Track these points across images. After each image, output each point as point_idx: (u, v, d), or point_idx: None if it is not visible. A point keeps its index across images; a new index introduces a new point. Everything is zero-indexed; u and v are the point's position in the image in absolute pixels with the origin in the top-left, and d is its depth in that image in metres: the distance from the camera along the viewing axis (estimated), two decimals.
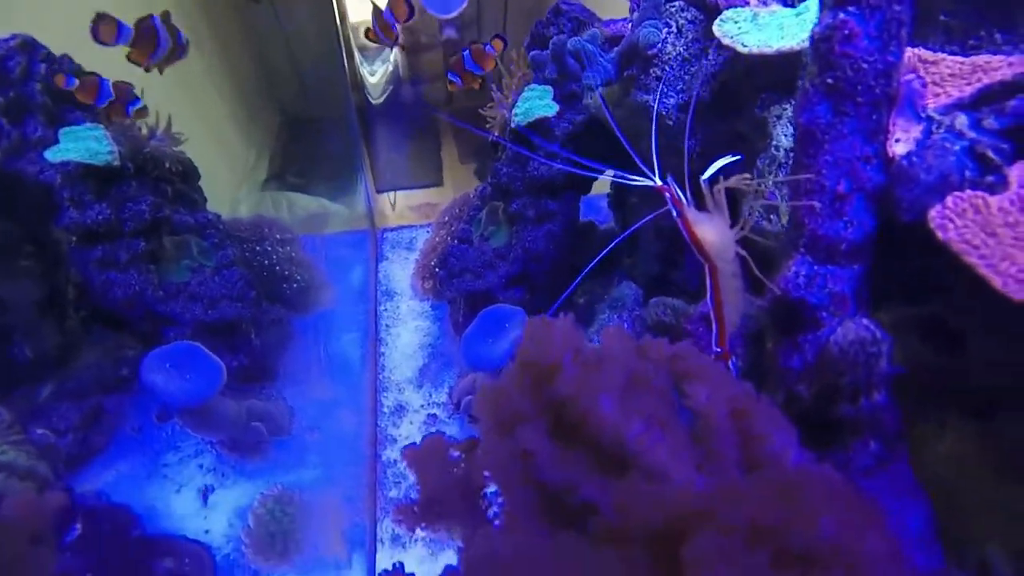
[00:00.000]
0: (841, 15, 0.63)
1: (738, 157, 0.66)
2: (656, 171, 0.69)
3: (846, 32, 0.63)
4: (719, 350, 0.68)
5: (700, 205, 0.69)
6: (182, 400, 1.19)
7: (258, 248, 1.58)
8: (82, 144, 1.18)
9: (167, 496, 1.34)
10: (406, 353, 1.56)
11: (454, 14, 1.26)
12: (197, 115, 1.82)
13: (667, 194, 0.67)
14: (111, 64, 1.17)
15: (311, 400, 1.51)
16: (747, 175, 0.64)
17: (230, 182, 2.12)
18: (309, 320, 1.61)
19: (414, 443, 0.65)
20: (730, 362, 0.68)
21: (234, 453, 1.42)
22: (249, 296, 1.40)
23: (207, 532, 1.30)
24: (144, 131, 1.24)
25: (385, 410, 1.48)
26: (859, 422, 0.69)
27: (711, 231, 0.66)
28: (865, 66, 0.64)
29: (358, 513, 1.35)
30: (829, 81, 0.65)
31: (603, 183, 1.54)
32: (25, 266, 1.32)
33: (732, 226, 0.68)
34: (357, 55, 2.01)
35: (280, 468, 1.41)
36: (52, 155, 1.17)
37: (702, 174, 0.72)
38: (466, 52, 1.22)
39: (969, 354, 0.79)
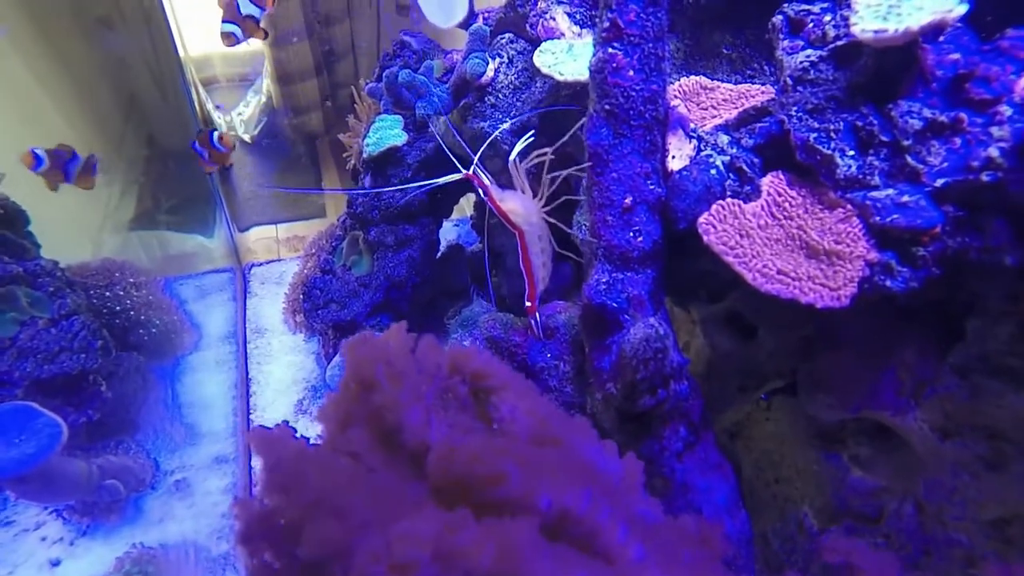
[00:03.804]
0: (609, 49, 0.72)
1: (532, 132, 0.74)
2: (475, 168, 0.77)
3: (614, 64, 0.71)
4: (528, 304, 0.75)
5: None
6: (11, 469, 1.09)
7: (108, 294, 1.48)
8: None
9: None
10: (279, 389, 1.52)
11: (455, 23, 1.23)
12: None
13: (474, 180, 0.73)
14: None
15: (175, 450, 1.43)
16: (546, 150, 0.72)
17: (89, 223, 1.97)
18: (170, 366, 1.52)
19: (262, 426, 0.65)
20: (536, 317, 0.75)
21: (86, 518, 1.31)
22: (94, 346, 1.31)
23: None
24: None
25: None
26: (667, 411, 0.76)
27: (515, 202, 0.73)
28: (633, 94, 0.72)
29: (232, 561, 1.29)
30: (607, 107, 0.73)
31: (465, 206, 1.59)
32: None
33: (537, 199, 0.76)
34: (202, 90, 1.95)
35: (141, 526, 1.32)
36: None
37: (537, 196, 0.80)
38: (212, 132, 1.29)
39: (761, 342, 0.90)
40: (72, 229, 1.74)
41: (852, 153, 0.72)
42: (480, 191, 0.75)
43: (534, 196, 0.74)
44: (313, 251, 1.55)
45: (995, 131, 0.66)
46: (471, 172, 0.75)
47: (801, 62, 0.77)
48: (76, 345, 1.28)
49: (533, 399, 0.63)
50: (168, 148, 2.37)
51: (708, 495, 0.78)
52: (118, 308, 1.49)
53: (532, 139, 0.77)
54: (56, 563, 1.23)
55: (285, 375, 1.54)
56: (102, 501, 1.30)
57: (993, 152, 0.65)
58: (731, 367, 0.94)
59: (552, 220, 0.75)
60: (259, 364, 1.56)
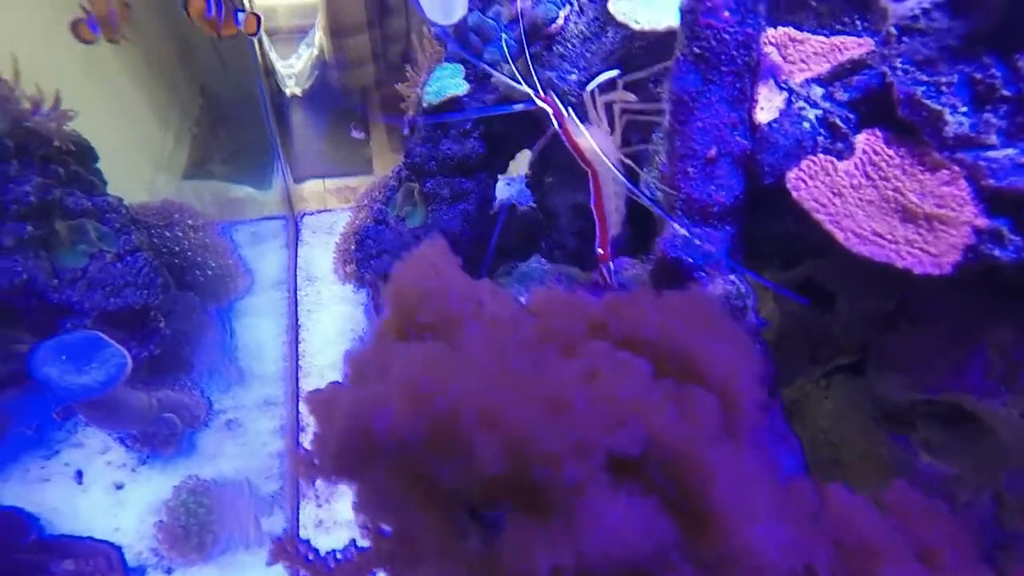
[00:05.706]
0: None
1: (616, 71, 0.70)
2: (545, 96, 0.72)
3: (709, 4, 0.66)
4: (600, 251, 0.71)
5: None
6: (81, 393, 1.13)
7: (167, 234, 1.51)
8: None
9: (71, 496, 1.28)
10: (327, 338, 1.54)
11: (455, 22, 1.19)
12: (102, 94, 1.71)
13: (549, 103, 0.70)
14: None
15: (227, 390, 1.47)
16: (629, 94, 0.68)
17: (145, 167, 2.02)
18: (224, 308, 1.56)
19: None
20: (608, 264, 0.71)
21: (146, 447, 1.37)
22: (156, 283, 1.34)
23: (117, 530, 1.25)
24: (27, 105, 1.16)
25: None
26: None
27: (592, 138, 0.70)
28: (727, 36, 0.67)
29: (279, 501, 1.33)
30: (696, 50, 0.68)
31: (520, 164, 1.56)
32: None
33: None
34: (265, 39, 1.94)
35: (196, 460, 1.37)
36: None
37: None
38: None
39: (838, 312, 0.85)
40: (126, 173, 1.77)
41: (964, 109, 0.66)
42: (555, 121, 0.70)
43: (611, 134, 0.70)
44: (365, 202, 1.55)
45: None
46: (548, 97, 0.71)
47: (911, 9, 0.70)
48: (140, 280, 1.32)
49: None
50: (225, 97, 2.38)
51: (776, 463, 0.75)
52: (176, 248, 1.52)
53: (616, 76, 0.71)
54: (120, 486, 1.30)
55: (334, 324, 1.56)
56: (161, 433, 1.36)
57: None
58: (802, 336, 0.90)
59: (629, 162, 0.70)
60: (309, 312, 1.59)
